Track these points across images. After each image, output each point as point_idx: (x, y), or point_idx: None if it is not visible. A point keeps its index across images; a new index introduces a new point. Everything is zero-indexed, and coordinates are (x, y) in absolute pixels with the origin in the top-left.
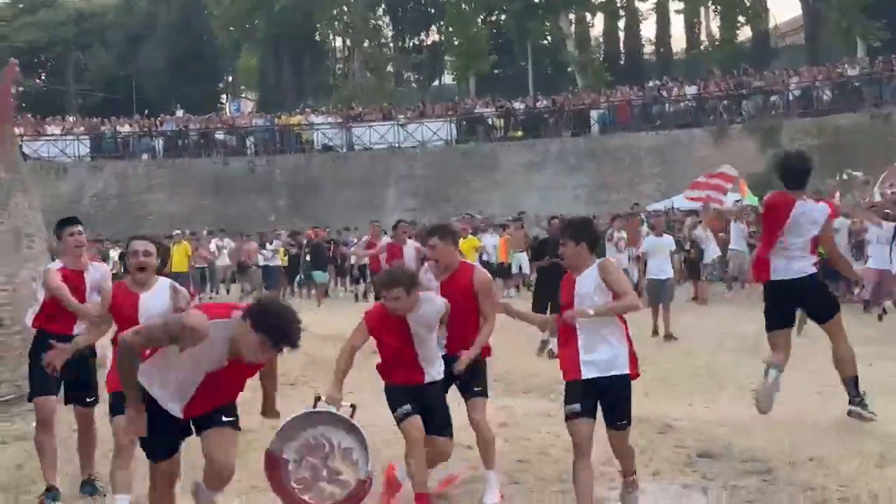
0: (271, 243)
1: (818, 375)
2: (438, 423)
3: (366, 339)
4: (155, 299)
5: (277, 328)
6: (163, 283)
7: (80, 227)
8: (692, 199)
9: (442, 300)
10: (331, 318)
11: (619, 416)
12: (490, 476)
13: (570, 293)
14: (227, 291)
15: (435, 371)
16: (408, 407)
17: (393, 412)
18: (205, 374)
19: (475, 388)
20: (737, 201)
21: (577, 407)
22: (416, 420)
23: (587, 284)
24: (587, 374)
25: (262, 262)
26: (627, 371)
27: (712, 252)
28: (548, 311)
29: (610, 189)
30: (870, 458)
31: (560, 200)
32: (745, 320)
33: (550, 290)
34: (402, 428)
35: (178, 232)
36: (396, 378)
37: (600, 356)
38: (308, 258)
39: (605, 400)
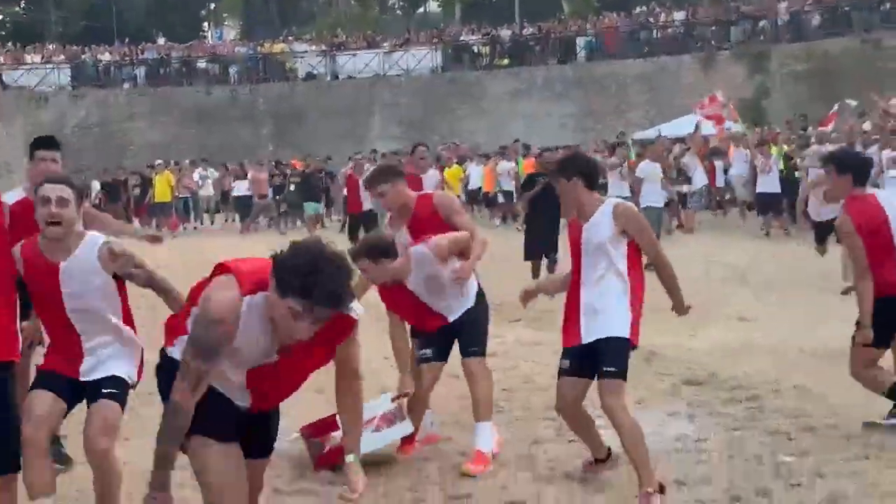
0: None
1: (804, 303)
2: (464, 343)
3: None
4: (83, 269)
5: (303, 282)
6: (90, 244)
7: (54, 154)
8: (708, 116)
9: (423, 249)
10: None
11: (607, 363)
12: (478, 427)
13: (577, 244)
14: (212, 222)
15: (458, 309)
16: (427, 352)
17: (416, 351)
18: (245, 373)
19: (471, 349)
20: (727, 128)
21: (566, 363)
22: (430, 367)
23: (599, 233)
24: (586, 338)
25: (243, 192)
26: (627, 335)
27: (699, 180)
28: (542, 258)
29: (597, 117)
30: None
31: (546, 129)
32: (732, 249)
33: (542, 229)
34: (419, 369)
35: (161, 162)
36: (421, 327)
37: (597, 317)
38: (293, 188)
39: (598, 354)
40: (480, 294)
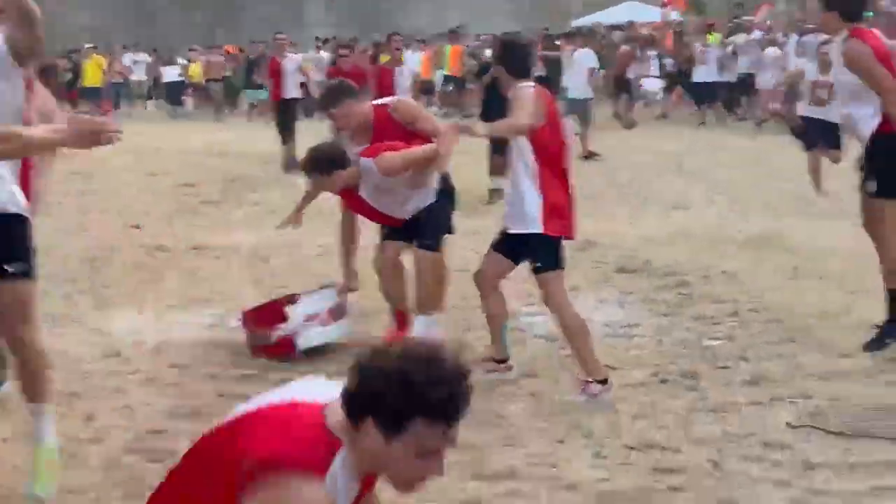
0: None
1: (737, 191)
2: (418, 236)
3: None
4: None
5: (436, 396)
6: None
7: None
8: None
9: (369, 163)
10: (253, 136)
11: (531, 260)
12: (416, 320)
13: None
14: (145, 108)
15: (414, 210)
16: (384, 231)
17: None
18: None
19: (423, 242)
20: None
21: (496, 238)
22: (385, 244)
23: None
24: (508, 225)
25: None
26: (540, 230)
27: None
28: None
29: (538, 2)
30: (783, 272)
31: (491, 16)
32: (668, 139)
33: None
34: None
35: (90, 45)
36: (377, 222)
37: (513, 209)
38: (229, 74)
39: (525, 251)
40: (444, 191)
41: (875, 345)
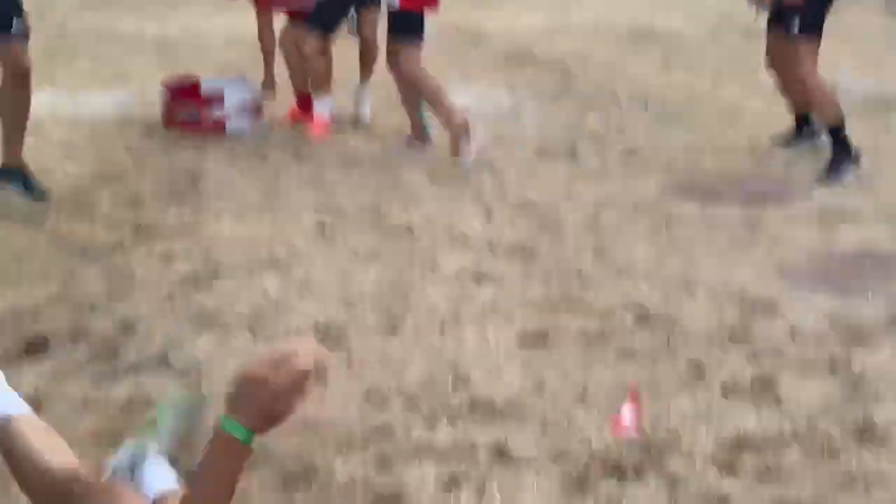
0: None
1: None
2: (314, 17)
3: None
4: None
5: None
6: None
7: None
8: None
9: None
10: None
11: (391, 29)
12: (316, 101)
13: None
14: None
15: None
16: (288, 17)
17: None
18: None
19: (315, 25)
20: None
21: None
22: (284, 30)
23: None
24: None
25: None
26: (396, 4)
27: None
28: None
29: None
30: (657, 62)
31: None
32: None
33: None
34: None
35: None
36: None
37: None
38: None
39: None
40: None
41: (835, 175)
